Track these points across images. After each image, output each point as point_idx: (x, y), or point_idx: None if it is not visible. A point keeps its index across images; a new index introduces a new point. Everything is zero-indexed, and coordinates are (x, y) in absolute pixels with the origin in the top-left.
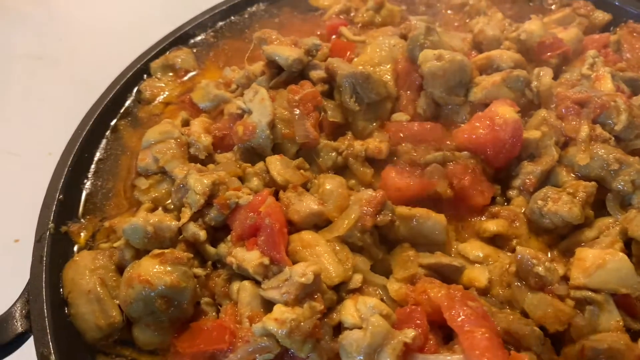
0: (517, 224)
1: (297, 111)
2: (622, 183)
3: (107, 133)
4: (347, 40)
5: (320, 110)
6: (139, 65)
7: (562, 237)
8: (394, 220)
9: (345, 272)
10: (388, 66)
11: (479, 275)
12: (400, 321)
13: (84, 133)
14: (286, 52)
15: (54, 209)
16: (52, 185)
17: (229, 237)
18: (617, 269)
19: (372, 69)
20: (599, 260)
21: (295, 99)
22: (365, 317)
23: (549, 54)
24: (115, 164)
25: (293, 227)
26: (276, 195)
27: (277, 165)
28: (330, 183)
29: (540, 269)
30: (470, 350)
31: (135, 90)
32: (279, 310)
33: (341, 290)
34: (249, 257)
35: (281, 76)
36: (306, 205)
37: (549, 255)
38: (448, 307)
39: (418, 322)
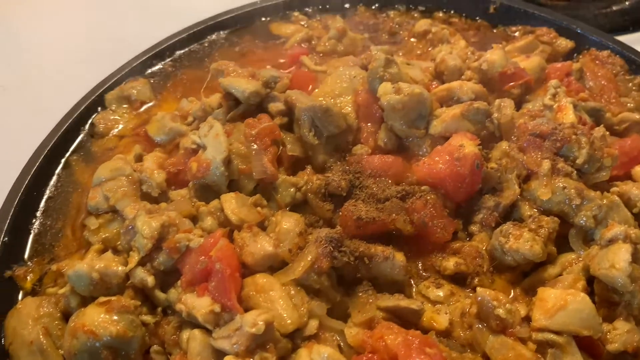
0: (479, 261)
1: (255, 146)
2: (584, 218)
3: (58, 169)
4: (308, 70)
5: (278, 144)
6: (93, 97)
7: (525, 274)
8: (351, 261)
9: (300, 319)
10: (348, 97)
11: (439, 318)
12: None
13: (33, 170)
14: (243, 84)
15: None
16: None
17: (179, 282)
18: (579, 310)
19: (332, 100)
20: (560, 301)
21: (252, 133)
22: None
23: (511, 84)
24: (66, 202)
25: (247, 269)
26: (232, 235)
27: (232, 204)
28: (287, 221)
29: (500, 311)
30: None
31: (88, 123)
32: None
33: (296, 337)
34: (199, 304)
35: (238, 109)
36: (260, 247)
37: (512, 294)
38: (405, 356)
39: None
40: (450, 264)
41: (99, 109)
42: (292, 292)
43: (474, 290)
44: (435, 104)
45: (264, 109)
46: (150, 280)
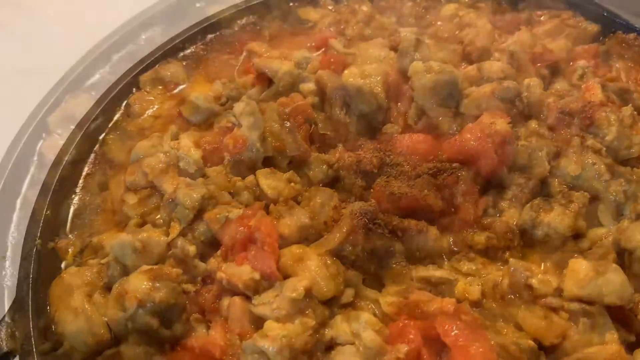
0: (510, 236)
1: (288, 124)
2: (614, 193)
3: (96, 147)
4: (337, 53)
5: (310, 122)
6: (127, 79)
7: (555, 249)
8: (385, 233)
9: (337, 287)
10: (378, 78)
11: (471, 288)
12: (393, 336)
13: (72, 148)
14: (276, 64)
15: (41, 225)
16: (39, 201)
17: (218, 252)
18: (611, 280)
19: (362, 80)
20: (592, 271)
21: (285, 111)
22: (358, 333)
23: (538, 64)
24: (104, 179)
25: (284, 240)
26: (267, 209)
27: (267, 179)
28: (321, 196)
29: (533, 281)
30: None
31: (124, 103)
32: (270, 326)
33: (333, 305)
34: (239, 272)
35: (271, 89)
36: (297, 218)
37: (542, 267)
38: (441, 321)
39: (411, 337)
40: (482, 238)
41: (134, 90)
42: (329, 262)
43: (505, 263)
44: (465, 84)
45: (296, 88)
46: (191, 249)
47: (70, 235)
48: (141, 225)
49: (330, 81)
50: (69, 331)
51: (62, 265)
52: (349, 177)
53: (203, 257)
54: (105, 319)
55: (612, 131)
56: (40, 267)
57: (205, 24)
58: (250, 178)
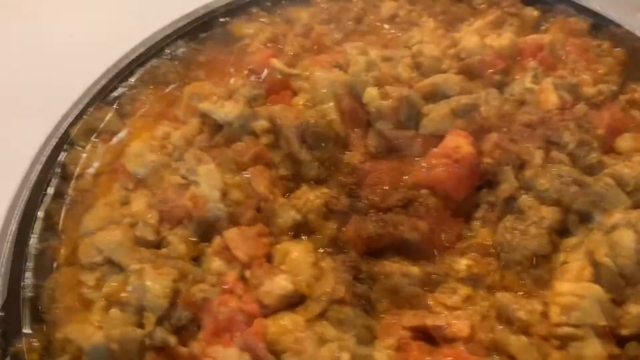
0: (488, 260)
1: (247, 174)
2: (582, 204)
3: (39, 224)
4: (281, 74)
5: (270, 166)
6: (58, 135)
7: (532, 266)
8: (370, 286)
9: (331, 356)
10: (331, 104)
11: (460, 325)
12: None
13: (12, 227)
14: (225, 109)
15: None
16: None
17: (200, 335)
18: (595, 302)
19: (315, 108)
20: (575, 296)
21: (244, 161)
22: None
23: (490, 70)
24: (54, 259)
25: (266, 310)
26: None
27: (238, 242)
28: (296, 250)
29: (522, 313)
30: None
31: (58, 165)
32: None
33: None
34: (229, 357)
35: (222, 134)
36: (277, 285)
37: (522, 290)
38: None
39: None
40: (462, 266)
41: (66, 146)
42: (318, 329)
43: (487, 289)
44: (421, 101)
45: (246, 127)
46: (172, 340)
47: (31, 332)
48: (107, 307)
49: (285, 118)
50: None
51: None
52: (319, 221)
53: (182, 339)
54: None
55: (573, 140)
56: None
57: (132, 58)
58: (218, 241)
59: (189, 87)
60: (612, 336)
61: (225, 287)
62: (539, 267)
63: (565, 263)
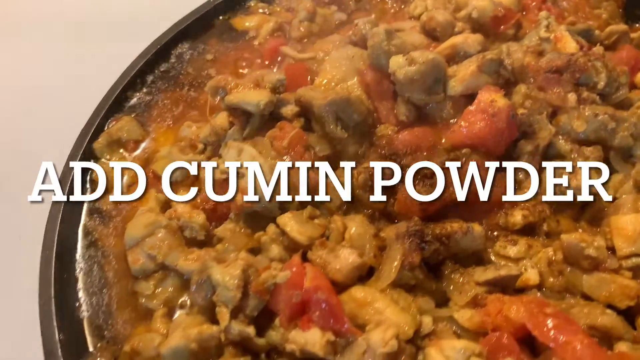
0: (540, 207)
1: (287, 158)
2: (622, 139)
3: (79, 243)
4: (294, 60)
5: (309, 148)
6: (82, 150)
7: (582, 207)
8: (438, 247)
9: (414, 320)
10: (355, 79)
11: (529, 274)
12: (491, 352)
13: (53, 254)
14: (254, 97)
15: (59, 352)
16: (45, 325)
17: (277, 322)
18: None
19: (339, 86)
20: (637, 224)
21: (283, 145)
22: None
23: (502, 26)
24: (103, 275)
25: (338, 287)
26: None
27: (293, 225)
28: (354, 225)
29: (591, 250)
30: None
31: (88, 181)
32: None
33: (415, 338)
34: (312, 338)
35: (253, 123)
36: (345, 260)
37: (580, 231)
38: (535, 325)
39: (510, 348)
40: (518, 218)
41: (92, 161)
42: (395, 296)
43: (546, 236)
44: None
45: (276, 115)
46: (251, 330)
47: (95, 351)
48: (170, 314)
49: (315, 98)
50: None
51: None
52: (367, 196)
53: (258, 331)
54: None
55: (602, 78)
56: None
57: (140, 64)
58: (272, 228)
59: (212, 81)
60: None
61: (293, 270)
62: (590, 207)
63: (615, 199)
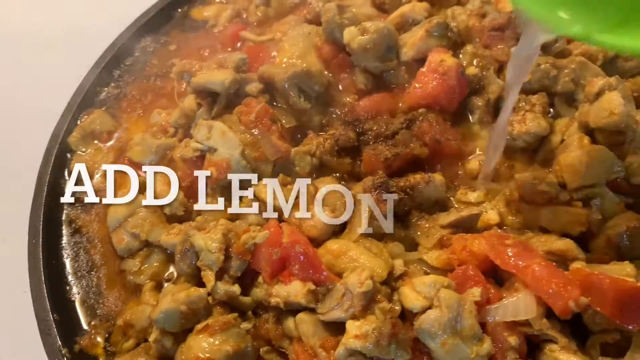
0: None
1: (256, 131)
2: (563, 85)
3: (63, 230)
4: (254, 43)
5: (274, 120)
6: (57, 146)
7: (533, 151)
8: (402, 196)
9: (387, 263)
10: (313, 54)
11: (489, 215)
12: (459, 284)
13: (39, 243)
14: (219, 76)
15: (55, 332)
16: (39, 308)
17: (260, 280)
18: (602, 160)
19: (299, 62)
20: (583, 159)
21: (250, 119)
22: (430, 296)
23: None
24: (90, 259)
25: (313, 242)
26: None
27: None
28: (323, 185)
29: (543, 186)
30: (536, 282)
31: (65, 173)
32: (353, 326)
33: (389, 280)
34: (294, 290)
35: (220, 102)
36: (318, 217)
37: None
38: (496, 255)
39: (476, 278)
40: (475, 165)
41: (68, 155)
42: (367, 244)
43: (503, 180)
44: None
45: (241, 93)
46: (236, 288)
47: (89, 329)
48: (156, 287)
49: (277, 74)
50: None
51: None
52: (334, 160)
53: (243, 291)
54: None
55: None
56: None
57: (105, 61)
58: (247, 197)
59: (177, 67)
60: (621, 188)
61: (271, 230)
62: (540, 150)
63: (562, 141)
